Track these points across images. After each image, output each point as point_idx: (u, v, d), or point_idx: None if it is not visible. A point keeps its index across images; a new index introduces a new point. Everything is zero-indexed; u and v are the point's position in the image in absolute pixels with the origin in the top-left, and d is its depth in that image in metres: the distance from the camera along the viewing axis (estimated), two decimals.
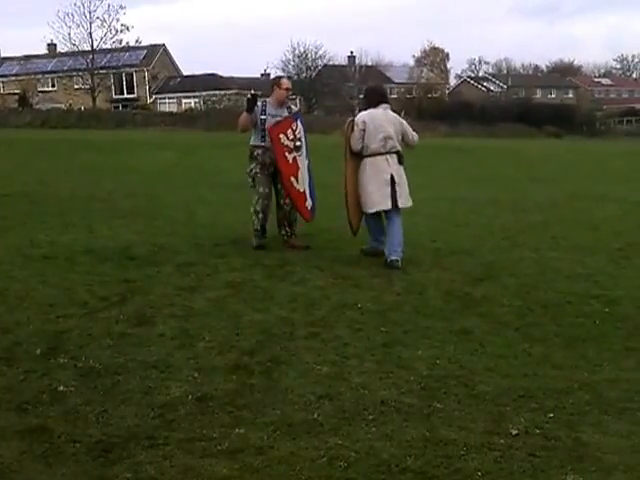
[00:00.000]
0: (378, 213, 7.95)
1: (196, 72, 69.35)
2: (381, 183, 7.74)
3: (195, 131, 45.67)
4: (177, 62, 74.33)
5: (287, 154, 8.07)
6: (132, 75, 68.54)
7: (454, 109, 60.98)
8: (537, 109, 63.39)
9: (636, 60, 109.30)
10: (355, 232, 8.10)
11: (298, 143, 8.15)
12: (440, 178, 19.09)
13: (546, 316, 5.99)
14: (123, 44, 64.14)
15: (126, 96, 68.02)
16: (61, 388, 4.19)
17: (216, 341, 5.09)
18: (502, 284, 7.01)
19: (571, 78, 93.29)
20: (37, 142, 28.39)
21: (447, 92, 78.72)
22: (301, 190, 8.23)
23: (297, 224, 8.41)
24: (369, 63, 69.64)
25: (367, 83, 59.17)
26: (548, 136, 57.08)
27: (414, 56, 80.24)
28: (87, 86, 62.47)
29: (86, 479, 3.25)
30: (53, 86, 68.34)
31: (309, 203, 8.34)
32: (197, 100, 61.49)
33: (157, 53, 70.59)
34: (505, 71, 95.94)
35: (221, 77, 66.63)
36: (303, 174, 8.24)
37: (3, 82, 68.64)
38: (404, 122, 8.03)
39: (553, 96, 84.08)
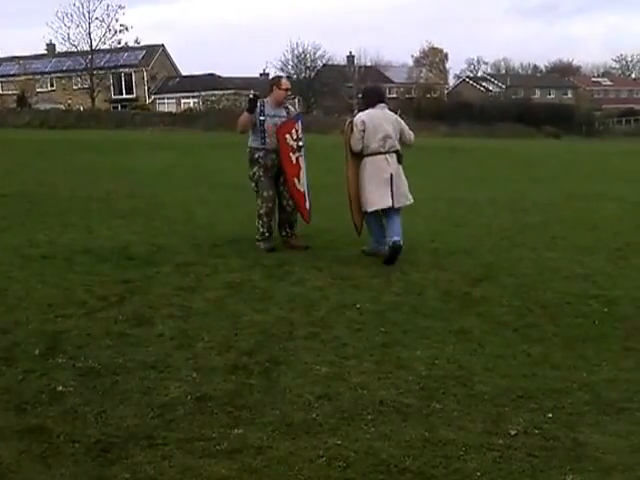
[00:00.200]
0: (377, 212, 7.98)
1: (195, 72, 69.37)
2: (380, 182, 7.78)
3: (194, 131, 45.66)
4: (176, 62, 74.39)
5: (291, 154, 8.07)
6: (131, 75, 68.50)
7: (453, 109, 61.00)
8: (536, 109, 63.41)
9: (635, 60, 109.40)
10: (359, 232, 8.15)
11: (300, 143, 8.15)
12: (439, 178, 19.10)
13: (545, 316, 6.00)
14: (122, 44, 64.08)
15: (125, 96, 67.98)
16: (60, 388, 4.19)
17: (215, 341, 5.09)
18: (501, 284, 7.02)
19: (570, 78, 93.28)
20: (36, 142, 28.37)
21: (446, 92, 78.72)
22: (302, 190, 8.24)
23: (297, 225, 8.41)
24: (368, 63, 69.62)
25: (366, 83, 59.28)
26: (547, 136, 57.10)
27: (413, 56, 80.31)
28: (86, 86, 62.40)
29: (85, 479, 3.25)
30: (52, 86, 68.26)
31: (308, 204, 8.35)
32: (196, 100, 61.43)
33: (156, 53, 70.56)
34: (504, 71, 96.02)
35: (220, 77, 66.62)
36: (304, 175, 8.25)
37: (2, 82, 68.53)
38: (401, 121, 8.08)
39: (552, 96, 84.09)
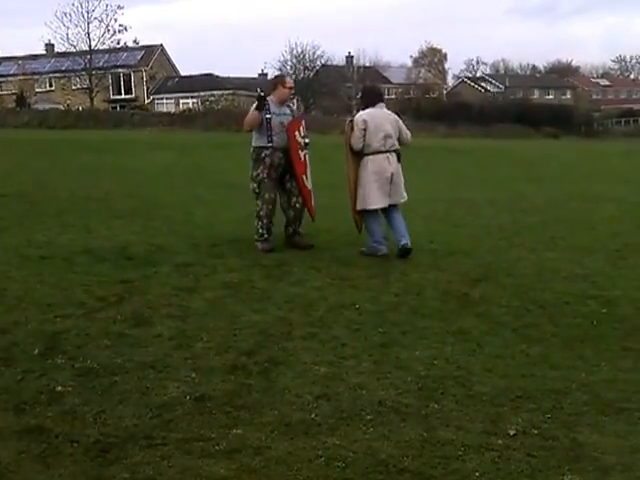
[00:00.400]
0: (376, 211, 8.01)
1: (193, 72, 69.38)
2: (383, 182, 7.88)
3: (193, 131, 45.65)
4: (175, 62, 74.41)
5: (300, 152, 8.09)
6: (130, 75, 68.50)
7: (452, 110, 60.98)
8: (535, 110, 63.44)
9: (634, 61, 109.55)
10: (360, 229, 8.21)
11: (307, 140, 8.18)
12: (438, 179, 19.11)
13: (544, 316, 6.00)
14: (121, 44, 64.08)
15: (124, 96, 67.98)
16: (59, 388, 4.19)
17: (214, 341, 5.09)
18: (500, 285, 7.02)
19: (569, 79, 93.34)
20: (35, 142, 28.35)
21: (445, 93, 78.77)
22: (309, 188, 8.25)
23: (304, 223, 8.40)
24: (367, 64, 69.64)
25: (365, 83, 59.27)
26: (546, 137, 57.12)
27: (412, 57, 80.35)
28: (85, 86, 62.37)
29: (84, 479, 3.25)
30: (51, 86, 68.24)
31: (313, 202, 8.36)
32: (195, 100, 61.40)
33: (155, 53, 70.56)
34: (503, 72, 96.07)
35: (218, 77, 66.61)
36: (310, 172, 8.27)
37: (0, 82, 68.52)
38: (399, 121, 8.14)
39: (551, 97, 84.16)
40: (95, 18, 62.14)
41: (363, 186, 7.92)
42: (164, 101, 67.85)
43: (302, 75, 66.57)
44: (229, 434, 3.69)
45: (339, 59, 71.35)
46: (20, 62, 66.93)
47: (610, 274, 7.58)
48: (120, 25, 62.61)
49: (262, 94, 8.04)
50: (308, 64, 67.90)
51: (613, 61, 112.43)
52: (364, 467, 3.40)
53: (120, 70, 67.17)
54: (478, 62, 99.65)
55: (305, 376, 4.51)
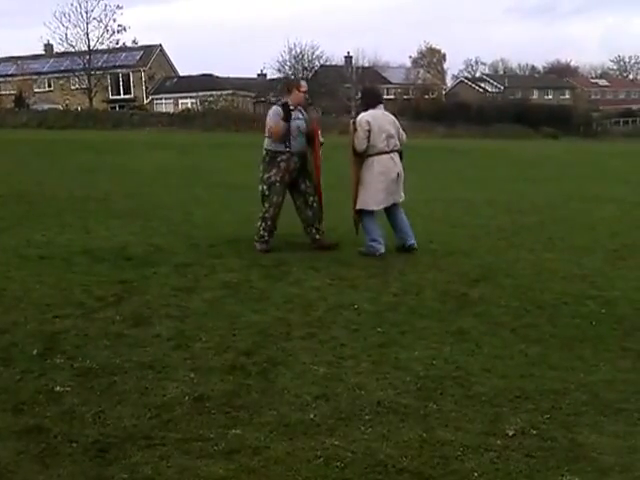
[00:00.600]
0: (374, 211, 8.06)
1: (193, 72, 69.43)
2: (389, 182, 8.01)
3: (192, 131, 45.66)
4: (174, 62, 74.40)
5: (320, 153, 8.19)
6: (129, 75, 68.48)
7: (451, 110, 61.00)
8: (534, 110, 63.47)
9: (633, 61, 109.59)
10: (358, 231, 8.26)
11: (322, 139, 8.23)
12: (437, 179, 19.11)
13: (542, 317, 6.00)
14: (120, 44, 64.11)
15: (123, 96, 67.97)
16: (58, 388, 4.19)
17: (213, 342, 5.09)
18: (498, 285, 7.02)
19: (568, 79, 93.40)
20: (34, 142, 28.37)
21: (444, 93, 78.76)
22: (321, 188, 8.31)
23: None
24: (366, 64, 69.65)
25: (364, 84, 59.26)
26: (545, 137, 57.17)
27: (411, 57, 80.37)
28: (84, 86, 62.40)
29: (83, 479, 3.25)
30: (50, 86, 68.22)
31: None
32: (194, 101, 61.43)
33: (154, 53, 70.55)
34: (502, 72, 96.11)
35: (217, 78, 66.63)
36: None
37: None
38: (396, 121, 8.25)
39: (550, 97, 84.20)
40: (94, 18, 62.25)
41: (366, 186, 7.97)
42: (163, 101, 67.87)
43: (301, 75, 66.54)
44: (228, 434, 3.69)
45: (338, 59, 71.39)
46: (19, 62, 66.90)
47: (609, 274, 7.58)
48: (119, 25, 62.76)
49: (283, 104, 8.00)
50: (307, 64, 67.88)
51: (612, 61, 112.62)
52: (363, 467, 3.40)
53: (119, 70, 67.18)
54: (477, 62, 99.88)
55: (304, 376, 4.51)
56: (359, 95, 8.70)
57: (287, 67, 67.10)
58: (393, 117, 8.25)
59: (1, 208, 10.84)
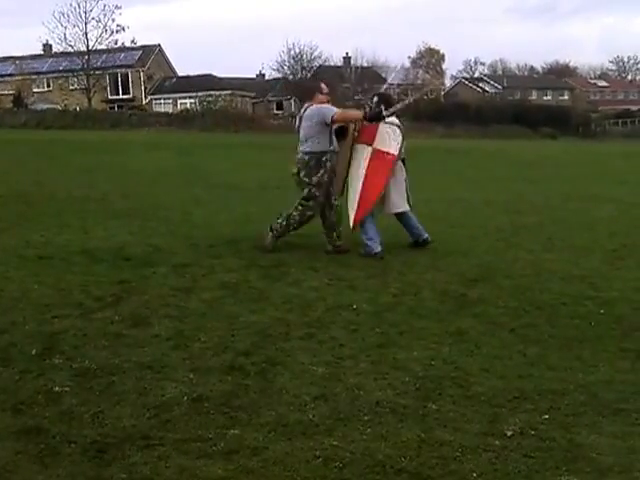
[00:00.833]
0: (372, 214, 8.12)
1: (191, 73, 69.42)
2: (402, 187, 8.29)
3: (191, 131, 45.67)
4: (172, 62, 74.38)
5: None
6: (127, 75, 68.46)
7: (450, 110, 61.02)
8: (533, 110, 63.54)
9: (631, 62, 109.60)
10: (354, 229, 8.27)
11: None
12: (435, 179, 19.09)
13: (541, 317, 6.00)
14: (118, 44, 64.13)
15: (121, 97, 67.96)
16: (56, 389, 4.19)
17: (211, 342, 5.09)
18: (497, 285, 7.02)
19: (567, 79, 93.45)
20: (32, 142, 28.36)
21: (443, 93, 78.78)
22: None
23: None
24: (365, 64, 69.69)
25: (363, 85, 59.26)
26: (543, 137, 57.20)
27: (410, 57, 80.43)
28: (82, 86, 62.42)
29: (82, 479, 3.25)
30: (48, 86, 68.21)
31: None
32: (193, 101, 61.42)
33: (152, 53, 70.54)
34: (501, 72, 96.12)
35: (216, 78, 66.62)
36: None
37: None
38: None
39: (549, 97, 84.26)
40: (93, 18, 62.31)
41: (398, 188, 8.24)
42: (162, 101, 67.87)
43: (300, 75, 66.61)
44: (227, 434, 3.69)
45: (337, 59, 71.53)
46: (18, 62, 66.89)
47: (608, 275, 7.58)
48: (118, 25, 62.82)
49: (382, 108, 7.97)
50: (306, 64, 67.99)
51: (611, 62, 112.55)
52: (362, 468, 3.40)
53: (118, 70, 67.18)
54: (476, 62, 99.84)
55: (303, 377, 4.51)
56: (376, 99, 8.62)
57: (286, 67, 67.20)
58: None
59: (0, 208, 10.83)
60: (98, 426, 3.74)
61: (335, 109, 7.94)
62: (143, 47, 68.42)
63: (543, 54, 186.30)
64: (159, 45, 72.50)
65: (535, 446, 3.66)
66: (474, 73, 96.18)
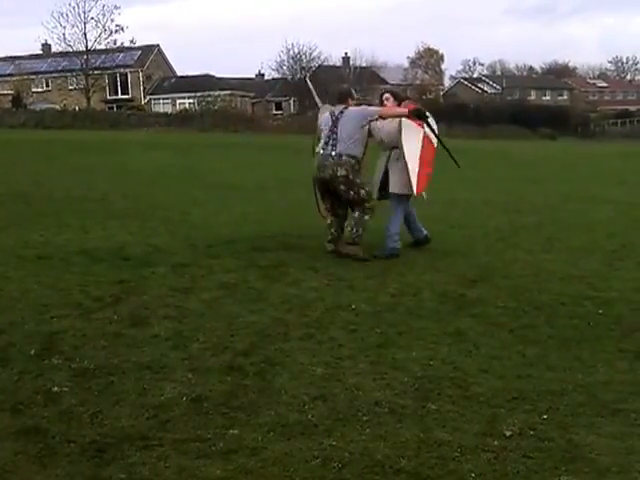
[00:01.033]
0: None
1: (190, 73, 69.45)
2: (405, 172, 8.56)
3: (190, 132, 45.66)
4: (171, 63, 74.40)
5: None
6: (126, 76, 68.49)
7: (449, 110, 60.96)
8: (532, 111, 63.58)
9: (630, 62, 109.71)
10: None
11: None
12: (434, 179, 19.06)
13: (540, 318, 6.00)
14: (118, 44, 64.13)
15: (120, 97, 67.99)
16: (55, 389, 4.19)
17: (210, 342, 5.09)
18: (496, 286, 7.02)
19: (566, 80, 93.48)
20: (31, 142, 28.36)
21: (442, 93, 78.82)
22: None
23: None
24: (363, 64, 69.72)
25: (362, 84, 59.26)
26: (542, 138, 57.22)
27: (408, 57, 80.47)
28: (81, 86, 62.43)
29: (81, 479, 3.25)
30: (47, 86, 68.23)
31: None
32: (192, 101, 61.43)
33: (151, 54, 70.57)
34: (500, 72, 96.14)
35: (215, 78, 66.62)
36: None
37: None
38: None
39: (547, 98, 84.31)
40: (92, 18, 62.34)
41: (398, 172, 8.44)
42: (161, 101, 67.91)
43: (299, 75, 66.60)
44: (226, 435, 3.69)
45: (336, 59, 71.54)
46: (16, 62, 66.93)
47: (606, 275, 7.59)
48: (117, 25, 62.88)
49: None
50: (305, 64, 67.98)
51: (610, 62, 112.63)
52: (360, 468, 3.40)
53: (117, 70, 67.20)
54: (475, 63, 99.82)
55: (302, 377, 4.51)
56: (386, 95, 8.60)
57: (285, 67, 67.23)
58: None
59: None
60: (97, 426, 3.74)
61: (376, 107, 8.23)
62: (142, 47, 68.44)
63: (542, 54, 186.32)
64: (158, 45, 72.55)
65: (534, 446, 3.66)
66: (473, 73, 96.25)
